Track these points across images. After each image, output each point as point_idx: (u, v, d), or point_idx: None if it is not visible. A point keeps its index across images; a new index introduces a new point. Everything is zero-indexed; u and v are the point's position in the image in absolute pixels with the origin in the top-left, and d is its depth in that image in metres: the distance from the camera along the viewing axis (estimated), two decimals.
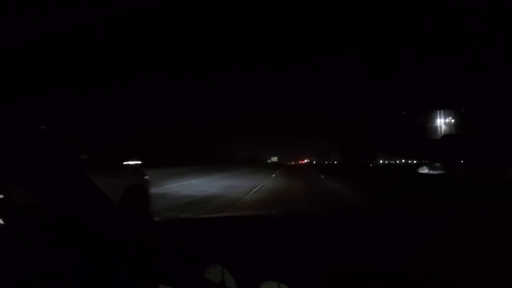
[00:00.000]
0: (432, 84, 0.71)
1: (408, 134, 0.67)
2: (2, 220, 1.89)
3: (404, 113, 0.68)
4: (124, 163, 4.52)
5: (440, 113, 0.66)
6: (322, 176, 19.86)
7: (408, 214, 1.17)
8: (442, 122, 0.65)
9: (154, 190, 5.48)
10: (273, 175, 19.23)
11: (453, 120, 0.65)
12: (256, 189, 10.03)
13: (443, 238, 0.74)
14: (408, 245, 0.71)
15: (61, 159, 0.65)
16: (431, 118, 0.66)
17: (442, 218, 1.03)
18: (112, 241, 0.81)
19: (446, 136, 0.63)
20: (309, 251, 0.73)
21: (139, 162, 5.26)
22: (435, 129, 0.65)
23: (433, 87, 0.69)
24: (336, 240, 0.77)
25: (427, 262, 0.61)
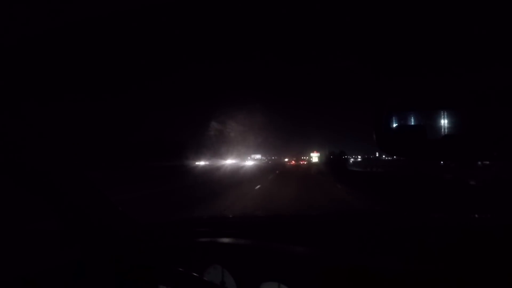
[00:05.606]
0: (433, 84, 0.71)
1: (408, 134, 0.67)
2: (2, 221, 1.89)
3: (404, 113, 0.68)
4: None
5: (440, 113, 0.65)
6: None
7: (407, 214, 1.18)
8: (442, 122, 0.65)
9: None
10: None
11: (453, 120, 0.65)
12: None
13: (443, 238, 0.74)
14: (408, 245, 0.71)
15: (61, 161, 0.65)
16: (431, 118, 0.66)
17: (442, 218, 1.03)
18: (112, 241, 0.81)
19: (447, 136, 0.63)
20: (309, 251, 0.73)
21: None
22: (435, 129, 0.65)
23: (434, 87, 0.69)
24: (336, 241, 0.77)
25: (427, 262, 0.61)
